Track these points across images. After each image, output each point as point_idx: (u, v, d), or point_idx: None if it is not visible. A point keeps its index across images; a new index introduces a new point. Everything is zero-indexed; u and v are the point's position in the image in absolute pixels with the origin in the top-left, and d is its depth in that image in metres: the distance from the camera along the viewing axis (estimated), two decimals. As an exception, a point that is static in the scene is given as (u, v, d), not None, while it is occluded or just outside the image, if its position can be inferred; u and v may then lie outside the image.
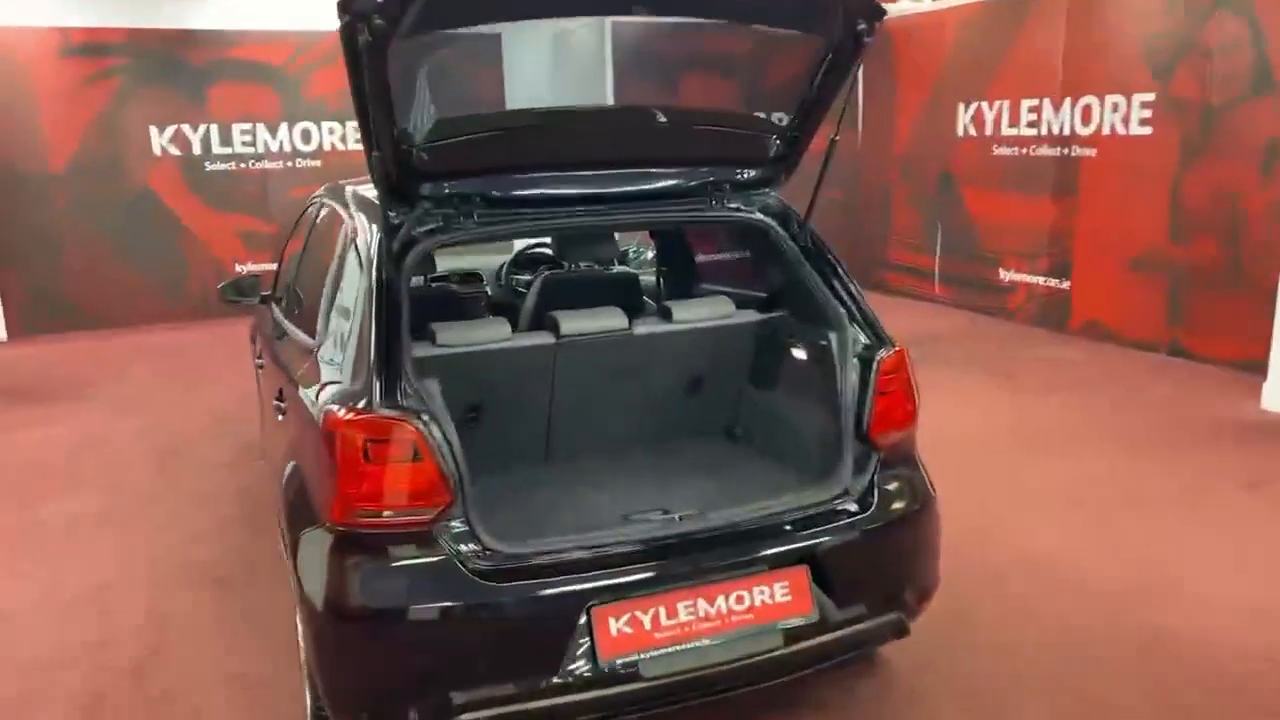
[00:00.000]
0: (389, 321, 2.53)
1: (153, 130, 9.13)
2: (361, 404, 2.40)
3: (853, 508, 2.73)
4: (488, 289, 5.23)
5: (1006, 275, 8.66)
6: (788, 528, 2.65)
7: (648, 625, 2.44)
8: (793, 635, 2.54)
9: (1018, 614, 3.51)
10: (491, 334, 3.01)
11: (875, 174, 10.13)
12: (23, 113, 8.71)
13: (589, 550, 2.49)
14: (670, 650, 2.45)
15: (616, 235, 4.27)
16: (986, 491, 4.64)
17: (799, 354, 3.17)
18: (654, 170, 3.09)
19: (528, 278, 4.74)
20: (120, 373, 7.62)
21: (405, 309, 2.58)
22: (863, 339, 2.90)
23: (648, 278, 4.39)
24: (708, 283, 3.99)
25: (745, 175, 3.14)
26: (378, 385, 2.41)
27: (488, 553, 2.40)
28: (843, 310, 2.95)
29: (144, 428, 6.11)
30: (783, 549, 2.61)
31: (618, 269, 4.54)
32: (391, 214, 2.78)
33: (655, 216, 3.18)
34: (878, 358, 2.82)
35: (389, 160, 2.56)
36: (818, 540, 2.64)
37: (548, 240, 4.98)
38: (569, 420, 3.29)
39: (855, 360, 2.85)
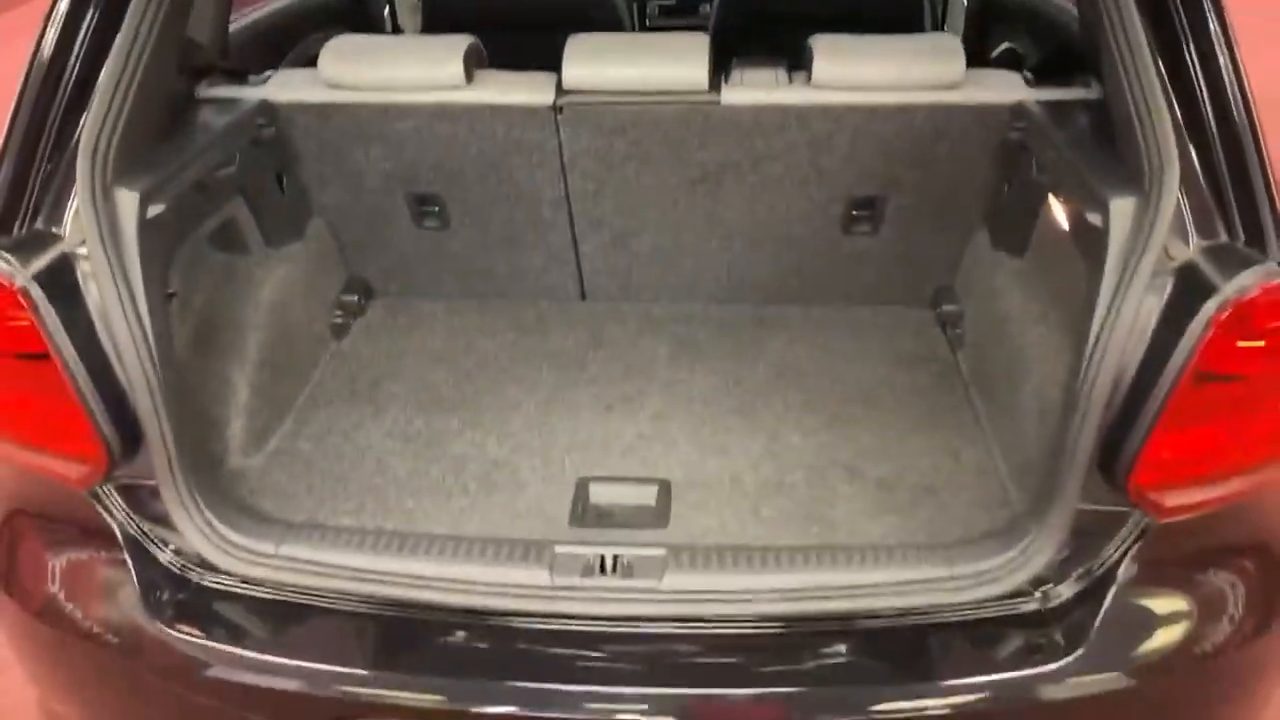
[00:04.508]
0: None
1: None
2: None
3: (1040, 634, 1.25)
4: None
5: None
6: (877, 639, 1.26)
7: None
8: None
9: None
10: (421, 71, 1.69)
11: None
12: None
13: (390, 602, 1.27)
14: None
15: None
16: None
17: (1055, 214, 1.50)
18: None
19: None
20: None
21: None
22: (1217, 234, 1.24)
23: None
24: None
25: None
26: None
27: (181, 553, 1.34)
28: (1168, 140, 1.20)
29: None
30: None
31: None
32: None
33: None
34: (1223, 295, 1.13)
35: None
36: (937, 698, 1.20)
37: None
38: (602, 247, 2.00)
39: (1165, 280, 1.21)
